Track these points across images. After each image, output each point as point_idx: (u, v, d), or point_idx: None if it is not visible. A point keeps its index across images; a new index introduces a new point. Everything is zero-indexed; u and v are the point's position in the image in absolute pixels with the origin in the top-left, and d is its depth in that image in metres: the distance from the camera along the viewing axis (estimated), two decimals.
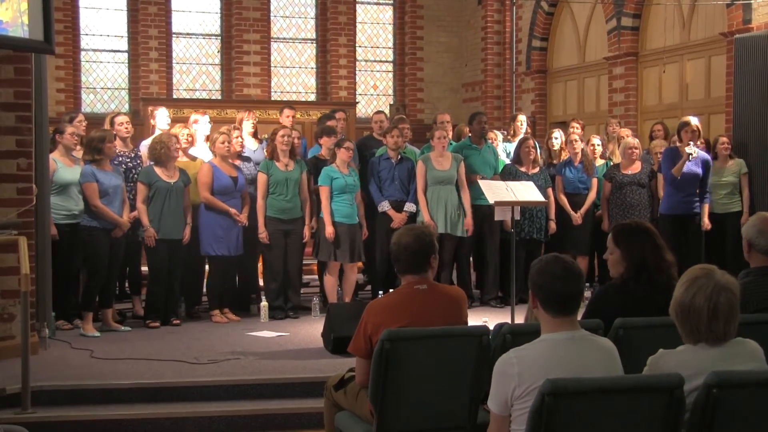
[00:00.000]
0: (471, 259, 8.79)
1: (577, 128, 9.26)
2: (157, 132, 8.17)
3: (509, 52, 14.33)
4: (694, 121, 8.27)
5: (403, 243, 4.07)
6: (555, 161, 8.92)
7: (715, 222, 8.56)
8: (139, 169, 7.72)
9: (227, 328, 7.45)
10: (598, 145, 8.96)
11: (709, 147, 8.91)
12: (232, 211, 7.58)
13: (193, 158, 8.01)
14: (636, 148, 8.57)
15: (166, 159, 7.39)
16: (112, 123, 7.96)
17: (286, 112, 9.15)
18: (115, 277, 7.47)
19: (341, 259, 7.82)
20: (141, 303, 7.85)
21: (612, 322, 3.78)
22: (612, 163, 8.87)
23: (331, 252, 7.77)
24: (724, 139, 8.73)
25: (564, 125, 10.21)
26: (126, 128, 7.94)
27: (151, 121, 8.59)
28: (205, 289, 8.33)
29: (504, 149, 9.27)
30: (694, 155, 8.02)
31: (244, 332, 7.26)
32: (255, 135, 8.76)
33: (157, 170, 7.41)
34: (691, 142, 8.04)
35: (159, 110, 8.64)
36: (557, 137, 9.07)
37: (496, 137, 9.19)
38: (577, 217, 8.50)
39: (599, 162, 8.90)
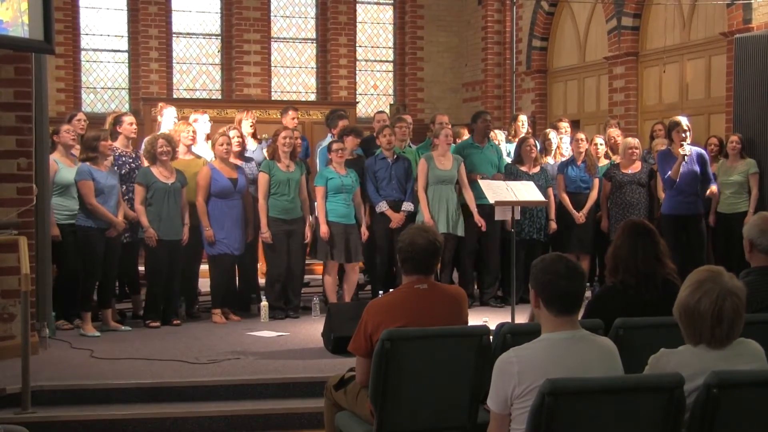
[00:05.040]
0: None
1: (566, 128, 9.33)
2: (162, 131, 8.15)
3: (509, 52, 14.33)
4: (684, 120, 8.24)
5: (419, 244, 4.05)
6: (551, 159, 8.93)
7: (722, 222, 8.57)
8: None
9: (227, 328, 7.45)
10: (601, 144, 8.97)
11: (722, 147, 8.94)
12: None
13: (198, 156, 8.00)
14: (636, 148, 8.57)
15: (153, 162, 7.41)
16: (115, 122, 7.94)
17: (291, 113, 9.11)
18: (113, 277, 7.46)
19: (338, 258, 7.82)
20: (141, 303, 7.84)
21: (612, 322, 3.78)
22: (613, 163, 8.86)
23: (328, 252, 7.78)
24: (735, 137, 8.68)
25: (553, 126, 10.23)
26: (135, 128, 7.95)
27: (159, 117, 8.55)
28: (203, 289, 8.35)
29: (505, 149, 9.27)
30: (689, 154, 8.02)
31: (244, 332, 7.26)
32: (254, 135, 8.75)
33: (155, 171, 7.41)
34: (684, 143, 8.04)
35: (168, 109, 8.61)
36: (553, 137, 9.10)
37: (496, 137, 9.18)
38: (580, 216, 8.49)
39: (603, 162, 8.90)
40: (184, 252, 7.63)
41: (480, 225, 8.19)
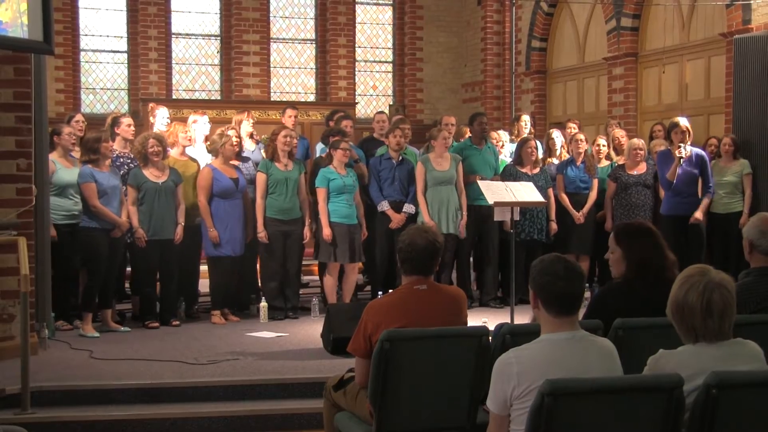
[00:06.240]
0: (471, 259, 8.78)
1: (575, 128, 9.31)
2: (155, 131, 8.14)
3: (509, 53, 14.32)
4: (683, 121, 8.26)
5: (418, 245, 4.05)
6: (555, 160, 8.94)
7: (717, 222, 8.57)
8: None
9: (227, 329, 7.45)
10: (603, 145, 8.96)
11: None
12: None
13: (192, 159, 8.00)
14: (641, 149, 8.56)
15: (145, 162, 7.41)
16: (113, 124, 7.94)
17: (289, 112, 9.12)
18: (113, 277, 7.46)
19: (341, 259, 7.82)
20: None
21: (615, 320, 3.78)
22: (617, 164, 8.85)
23: (331, 253, 7.77)
24: (727, 140, 8.72)
25: (561, 125, 10.22)
26: (132, 129, 7.94)
27: (150, 118, 8.55)
28: (203, 289, 8.35)
29: (509, 150, 9.25)
30: (686, 156, 8.03)
31: (243, 332, 7.26)
32: (251, 136, 8.74)
33: (145, 171, 7.41)
34: (682, 144, 8.04)
35: (160, 109, 8.60)
36: (557, 137, 9.10)
37: (500, 138, 9.19)
38: (579, 216, 8.49)
39: (604, 163, 8.90)
40: (180, 252, 7.62)
41: (461, 230, 8.16)
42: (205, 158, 8.09)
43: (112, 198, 7.14)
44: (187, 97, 14.09)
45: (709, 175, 8.26)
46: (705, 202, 8.26)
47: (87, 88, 13.99)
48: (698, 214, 8.19)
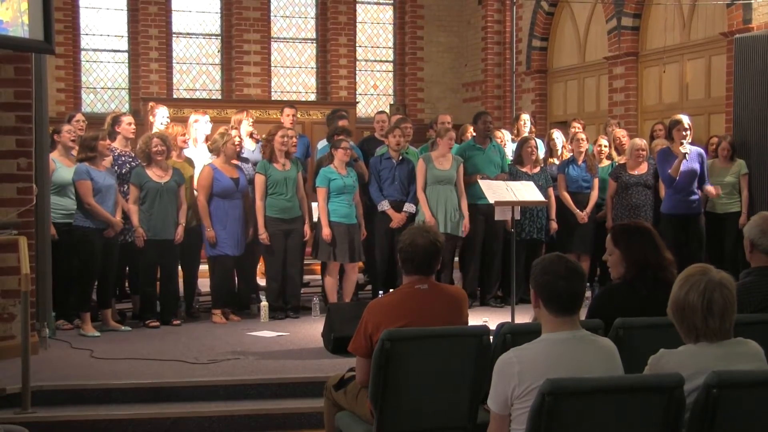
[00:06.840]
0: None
1: (578, 128, 9.30)
2: (155, 130, 8.15)
3: (509, 52, 14.32)
4: (685, 119, 8.27)
5: (419, 245, 4.04)
6: (556, 161, 8.94)
7: (715, 222, 8.59)
8: None
9: (227, 328, 7.45)
10: (605, 145, 8.95)
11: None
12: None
13: (189, 160, 7.99)
14: (643, 149, 8.55)
15: (148, 161, 7.41)
16: (114, 122, 7.94)
17: (287, 111, 9.12)
18: (112, 277, 7.45)
19: (341, 259, 7.82)
20: None
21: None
22: (617, 164, 8.85)
23: (330, 252, 7.77)
24: (725, 144, 8.73)
25: (564, 125, 10.22)
26: (133, 128, 7.94)
27: (150, 118, 8.56)
28: (203, 289, 8.35)
29: (511, 149, 9.25)
30: (689, 153, 8.03)
31: (244, 332, 7.26)
32: (251, 135, 8.74)
33: (148, 171, 7.41)
34: (684, 141, 8.05)
35: (159, 109, 8.60)
36: (557, 137, 9.10)
37: (503, 138, 9.18)
38: (583, 216, 8.49)
39: (605, 163, 8.89)
40: (181, 251, 7.61)
41: (464, 230, 8.17)
42: (205, 158, 8.09)
43: (107, 197, 7.12)
44: (188, 97, 14.10)
45: (705, 173, 8.29)
46: (709, 189, 8.26)
47: (88, 88, 14.00)
48: (710, 188, 8.25)
